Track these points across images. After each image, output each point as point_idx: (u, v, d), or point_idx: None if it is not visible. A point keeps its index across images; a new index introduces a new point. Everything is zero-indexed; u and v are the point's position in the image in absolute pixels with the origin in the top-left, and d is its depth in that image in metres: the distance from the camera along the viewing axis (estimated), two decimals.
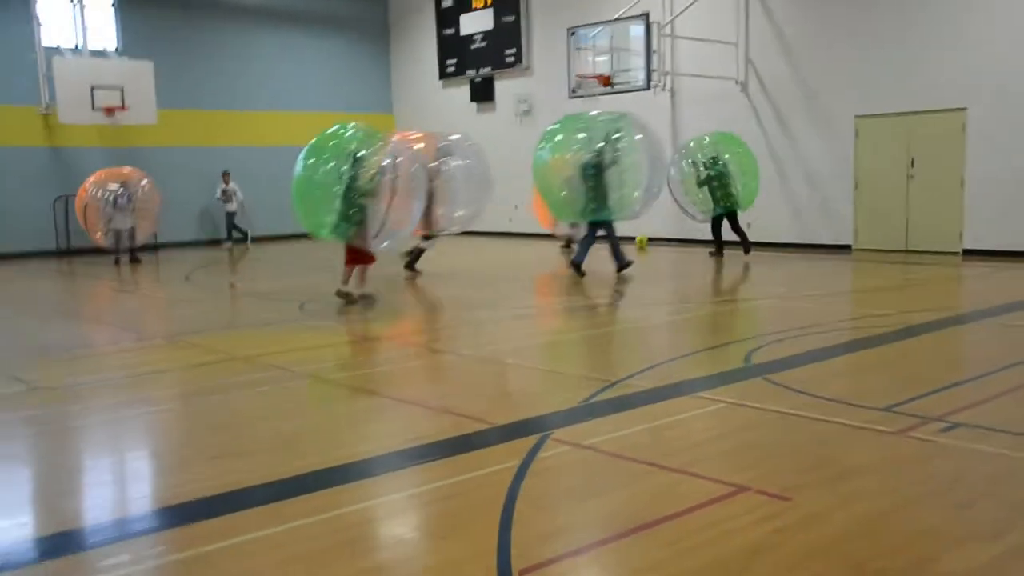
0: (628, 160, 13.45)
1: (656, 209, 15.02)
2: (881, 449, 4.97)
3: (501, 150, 19.55)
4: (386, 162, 11.03)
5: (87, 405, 6.77)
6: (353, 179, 10.74)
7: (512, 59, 22.46)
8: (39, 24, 19.91)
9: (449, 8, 23.86)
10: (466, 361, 8.09)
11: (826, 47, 16.71)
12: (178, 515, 4.28)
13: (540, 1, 21.82)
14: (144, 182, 18.71)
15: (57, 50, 19.85)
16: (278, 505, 4.33)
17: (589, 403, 6.11)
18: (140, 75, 19.91)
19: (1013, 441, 5.02)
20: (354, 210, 10.76)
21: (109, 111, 19.42)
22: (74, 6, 20.40)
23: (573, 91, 18.16)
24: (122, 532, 4.16)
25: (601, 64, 17.81)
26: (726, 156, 15.90)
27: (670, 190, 15.27)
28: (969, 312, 10.16)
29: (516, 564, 3.58)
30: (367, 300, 11.11)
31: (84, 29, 20.26)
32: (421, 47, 24.97)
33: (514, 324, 10.14)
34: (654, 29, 17.16)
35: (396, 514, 4.39)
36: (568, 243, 17.41)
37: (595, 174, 13.27)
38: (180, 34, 22.39)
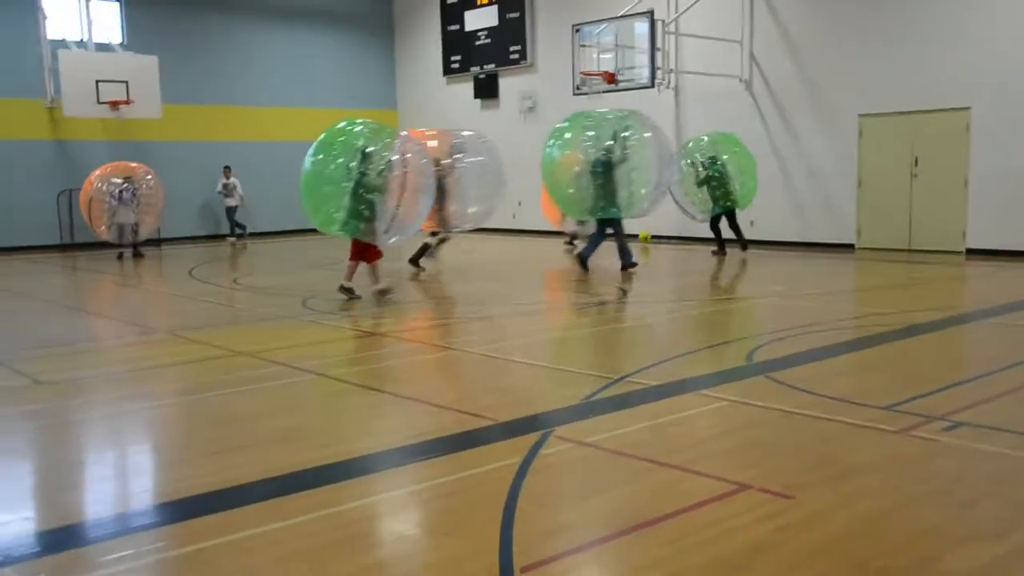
0: (637, 158, 13.47)
1: (658, 207, 15.03)
2: (884, 448, 4.96)
3: (505, 147, 19.39)
4: (395, 158, 11.04)
5: (89, 399, 6.77)
6: (362, 175, 10.75)
7: (516, 56, 22.45)
8: (45, 17, 19.95)
9: (454, 4, 23.84)
10: (468, 357, 8.08)
11: (831, 45, 16.68)
12: (179, 510, 4.28)
13: None
14: (149, 177, 18.74)
15: (63, 43, 19.87)
16: (279, 501, 4.32)
17: (591, 400, 6.10)
18: (145, 69, 19.93)
19: (1016, 440, 5.00)
20: (363, 206, 10.77)
21: (114, 105, 19.43)
22: (79, 0, 20.41)
23: (577, 88, 18.12)
24: (123, 527, 4.16)
25: (605, 61, 17.77)
26: (724, 156, 15.95)
27: (670, 190, 15.28)
28: (972, 311, 10.14)
29: (518, 561, 3.57)
30: (385, 294, 11.15)
31: (89, 23, 20.27)
32: (425, 43, 24.96)
33: (516, 320, 10.13)
34: (658, 26, 17.12)
35: (397, 511, 4.39)
36: (572, 239, 17.43)
37: (604, 172, 13.30)
38: (184, 29, 22.41)
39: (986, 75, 14.72)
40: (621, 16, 17.69)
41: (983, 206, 14.95)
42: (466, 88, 23.83)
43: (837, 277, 13.38)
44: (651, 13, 17.01)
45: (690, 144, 16.54)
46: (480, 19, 23.19)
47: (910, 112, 15.71)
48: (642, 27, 17.11)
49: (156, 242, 20.62)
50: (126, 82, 19.56)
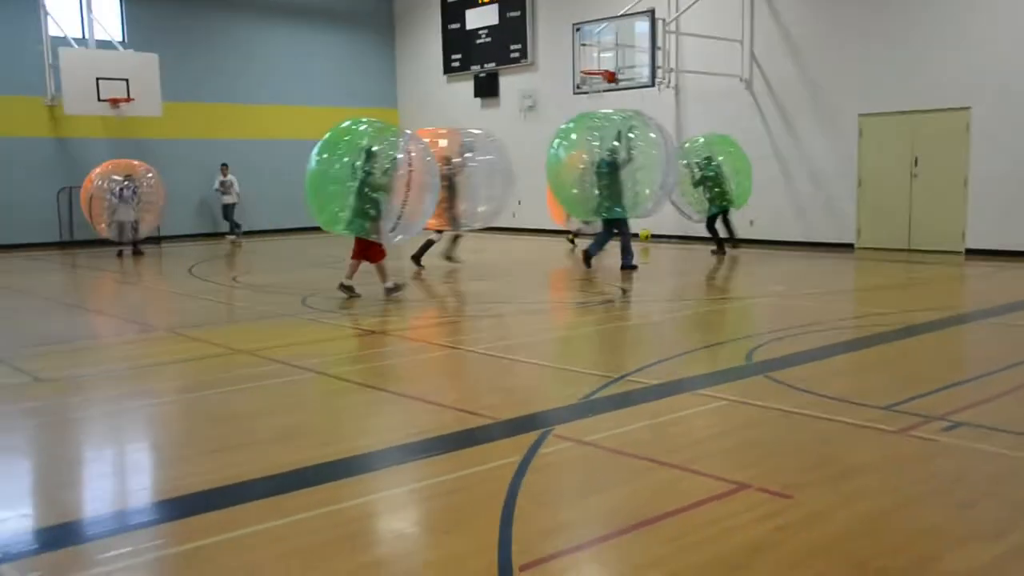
0: (642, 158, 13.53)
1: (662, 207, 15.10)
2: (883, 448, 4.97)
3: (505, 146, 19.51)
4: (400, 156, 11.05)
5: (89, 397, 6.77)
6: (368, 174, 10.77)
7: (517, 55, 22.45)
8: (46, 15, 19.93)
9: (455, 3, 23.84)
10: (467, 356, 8.09)
11: (831, 45, 16.68)
12: (178, 508, 4.28)
13: None
14: (150, 175, 18.74)
15: (63, 41, 19.86)
16: (278, 499, 4.33)
17: (591, 399, 6.10)
18: (145, 67, 19.93)
19: (1015, 441, 5.01)
20: (369, 205, 10.78)
21: (114, 103, 19.43)
22: None
23: (578, 87, 18.12)
24: (122, 524, 4.16)
25: (606, 60, 17.77)
26: (720, 157, 16.01)
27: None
28: (971, 311, 10.14)
29: (517, 560, 3.57)
30: (395, 291, 11.17)
31: (90, 20, 20.26)
32: (426, 42, 24.95)
33: (516, 319, 10.13)
34: (659, 26, 17.13)
35: (397, 509, 4.39)
36: (575, 236, 17.49)
37: (610, 172, 13.34)
38: (185, 26, 22.41)
39: (986, 75, 14.72)
40: (622, 15, 17.70)
41: (983, 206, 14.95)
42: (466, 87, 23.83)
43: (837, 277, 13.39)
44: (652, 12, 17.01)
45: (686, 145, 16.63)
46: (481, 18, 23.19)
47: (910, 112, 15.71)
48: (643, 26, 17.11)
49: (156, 240, 20.62)
50: (126, 80, 19.56)
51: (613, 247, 13.88)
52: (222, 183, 21.97)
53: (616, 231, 13.73)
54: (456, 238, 14.89)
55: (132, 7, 21.71)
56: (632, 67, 17.45)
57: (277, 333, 9.06)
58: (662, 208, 14.69)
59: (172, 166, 21.17)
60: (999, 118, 14.66)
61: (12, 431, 5.88)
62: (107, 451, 5.57)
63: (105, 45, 20.30)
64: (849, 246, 16.59)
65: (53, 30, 20.04)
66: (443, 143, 14.32)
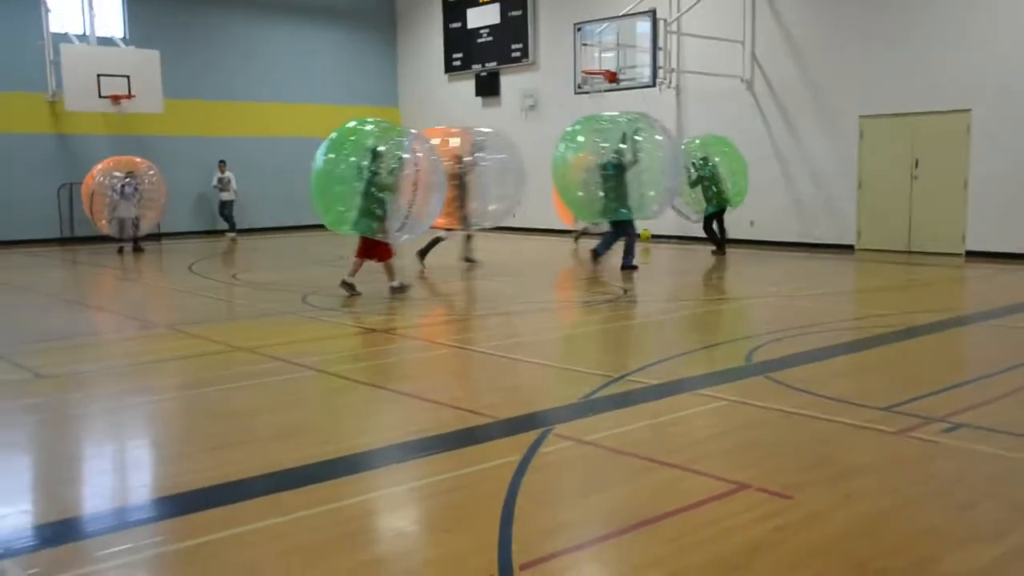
0: (648, 160, 13.58)
1: (667, 209, 15.19)
2: (883, 449, 4.97)
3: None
4: (406, 156, 11.06)
5: (89, 393, 6.78)
6: (374, 174, 10.78)
7: (518, 54, 22.44)
8: (47, 11, 19.93)
9: (456, 2, 23.83)
10: (468, 355, 8.09)
11: (832, 47, 16.68)
12: (179, 504, 4.29)
13: None
14: (152, 172, 18.74)
15: (64, 37, 19.85)
16: (279, 496, 4.33)
17: (591, 399, 6.10)
18: (147, 64, 19.93)
19: (1015, 442, 5.01)
20: (375, 205, 10.79)
21: (115, 99, 19.43)
22: None
23: (579, 87, 18.12)
24: (122, 521, 4.16)
25: (607, 60, 17.76)
26: (716, 158, 16.06)
27: None
28: (971, 313, 10.15)
29: (517, 559, 3.58)
30: (401, 290, 11.18)
31: (92, 17, 20.24)
32: (427, 40, 24.95)
33: (517, 319, 10.14)
34: (660, 26, 17.12)
35: (397, 507, 4.39)
36: (580, 236, 17.53)
37: (616, 174, 13.39)
38: (186, 23, 22.40)
39: (987, 77, 14.71)
40: (623, 15, 17.69)
41: (983, 208, 14.95)
42: (468, 86, 23.82)
43: (837, 278, 13.39)
44: (653, 12, 17.01)
45: (682, 146, 16.64)
46: (482, 17, 23.19)
47: (911, 114, 15.71)
48: (644, 26, 17.11)
49: (156, 237, 20.61)
50: (127, 76, 19.56)
51: (620, 247, 13.92)
52: (220, 180, 21.97)
53: (622, 232, 13.81)
54: (468, 238, 14.89)
55: (134, 4, 21.71)
56: (633, 67, 17.45)
57: (277, 331, 9.06)
58: (667, 209, 14.78)
59: (172, 163, 21.16)
60: (1000, 120, 14.66)
61: (13, 427, 5.88)
62: (107, 447, 5.58)
63: (106, 42, 20.29)
64: (849, 247, 16.59)
65: (54, 26, 20.03)
66: (455, 142, 14.33)
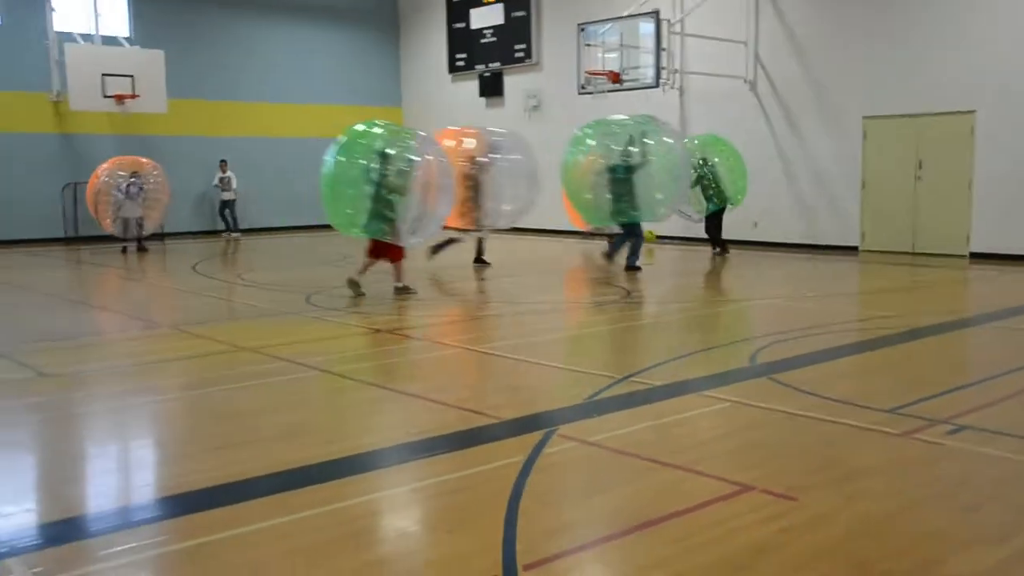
0: (658, 162, 13.62)
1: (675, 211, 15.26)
2: (887, 451, 4.96)
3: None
4: (415, 159, 11.07)
5: (93, 393, 6.78)
6: (383, 176, 10.78)
7: (522, 54, 22.44)
8: (52, 10, 19.95)
9: (459, 2, 23.83)
10: (472, 355, 8.09)
11: (836, 47, 16.66)
12: (182, 504, 4.29)
13: None
14: (156, 172, 18.76)
15: (69, 37, 19.88)
16: (283, 496, 4.33)
17: (595, 399, 6.10)
18: (151, 64, 19.96)
19: (1019, 444, 5.01)
20: (385, 207, 10.80)
21: (120, 99, 19.45)
22: None
23: (582, 87, 18.11)
24: (126, 520, 4.17)
25: (611, 61, 17.74)
26: (715, 159, 16.10)
27: None
28: (976, 315, 10.14)
29: (521, 559, 3.57)
30: (405, 292, 11.18)
31: (96, 16, 20.27)
32: (431, 41, 24.95)
33: (521, 319, 10.14)
34: (664, 26, 17.11)
35: (401, 507, 4.39)
36: (598, 235, 17.60)
37: (625, 177, 13.42)
38: (190, 24, 22.43)
39: (991, 78, 14.69)
40: (627, 16, 17.68)
41: (987, 210, 14.93)
42: (471, 86, 23.82)
43: (840, 279, 13.37)
44: (657, 13, 17.00)
45: None
46: (486, 17, 23.18)
47: (915, 115, 15.70)
48: (647, 27, 17.10)
49: (160, 236, 20.63)
50: (132, 76, 19.59)
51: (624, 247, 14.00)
52: (221, 179, 22.00)
53: (629, 234, 13.87)
54: (481, 240, 14.88)
55: (138, 3, 21.73)
56: (636, 68, 17.43)
57: (281, 331, 9.06)
58: (675, 211, 14.86)
59: (176, 163, 21.17)
60: (1004, 121, 14.63)
61: (16, 426, 5.89)
62: (111, 447, 5.58)
63: (111, 41, 20.33)
64: (853, 249, 16.57)
65: (59, 26, 20.07)
66: (470, 143, 14.34)
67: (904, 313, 9.86)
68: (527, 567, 3.51)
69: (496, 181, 14.11)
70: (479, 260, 14.79)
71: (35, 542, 3.92)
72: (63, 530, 4.02)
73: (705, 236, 16.79)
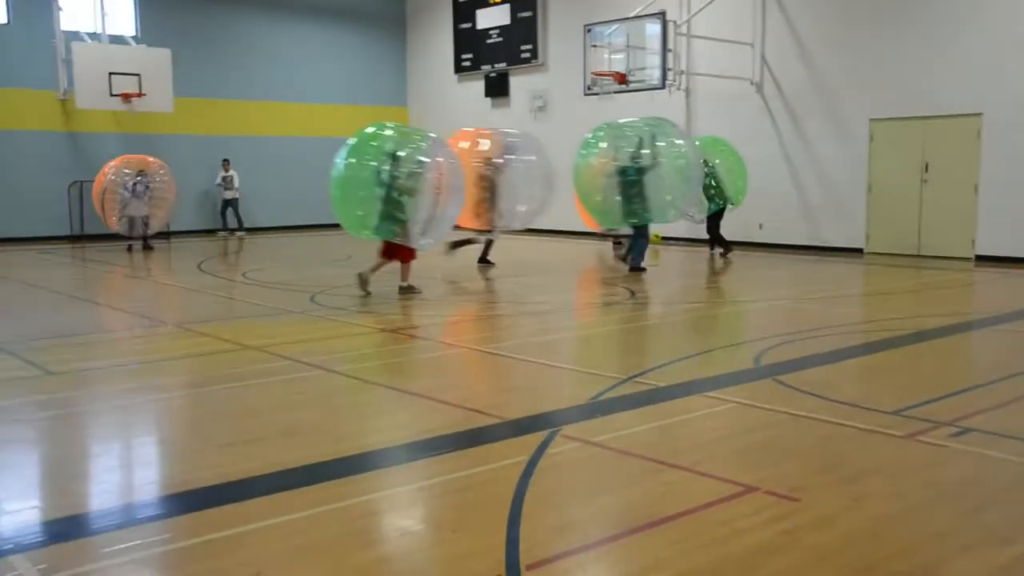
0: (668, 164, 13.65)
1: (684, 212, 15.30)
2: (891, 453, 4.96)
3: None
4: (426, 160, 11.08)
5: (98, 390, 6.80)
6: (394, 178, 10.79)
7: (528, 55, 22.45)
8: (59, 9, 20.00)
9: (466, 3, 23.85)
10: (476, 355, 8.10)
11: (842, 49, 16.65)
12: (187, 502, 4.30)
13: None
14: (163, 171, 18.80)
15: (76, 35, 19.93)
16: (287, 494, 4.34)
17: (599, 400, 6.10)
18: (158, 62, 20.02)
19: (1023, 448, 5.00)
20: (396, 209, 10.81)
21: (126, 97, 19.50)
22: None
23: (588, 88, 18.13)
24: (130, 518, 4.17)
25: (617, 62, 17.76)
26: (716, 160, 16.13)
27: None
28: (981, 318, 10.11)
29: (524, 559, 3.58)
30: (409, 292, 11.20)
31: (103, 15, 20.32)
32: (437, 41, 24.97)
33: (525, 319, 10.14)
34: (670, 28, 17.12)
35: (405, 506, 4.40)
36: (615, 240, 17.62)
37: (635, 179, 13.44)
38: (197, 23, 22.48)
39: (998, 81, 14.67)
40: (633, 17, 17.69)
41: (993, 213, 14.90)
42: (477, 86, 23.84)
43: (846, 281, 13.35)
44: (663, 14, 17.02)
45: None
46: (492, 17, 23.20)
47: (921, 117, 15.68)
48: (654, 28, 17.11)
49: (165, 235, 20.67)
50: (138, 75, 19.64)
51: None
52: (224, 178, 22.04)
53: (638, 235, 13.92)
54: (490, 241, 14.89)
55: (145, 2, 21.79)
56: (643, 69, 17.45)
57: (286, 329, 9.08)
58: (685, 213, 14.91)
59: (182, 162, 21.22)
60: (1010, 123, 14.60)
61: (22, 423, 5.90)
62: (116, 445, 5.59)
63: (118, 40, 20.38)
64: (858, 251, 16.56)
65: (66, 25, 20.12)
66: (485, 144, 14.37)
67: (909, 315, 9.85)
68: (530, 567, 3.51)
69: (511, 182, 14.14)
70: (484, 260, 14.80)
71: (40, 539, 3.93)
72: (68, 527, 4.03)
73: (707, 237, 16.81)
